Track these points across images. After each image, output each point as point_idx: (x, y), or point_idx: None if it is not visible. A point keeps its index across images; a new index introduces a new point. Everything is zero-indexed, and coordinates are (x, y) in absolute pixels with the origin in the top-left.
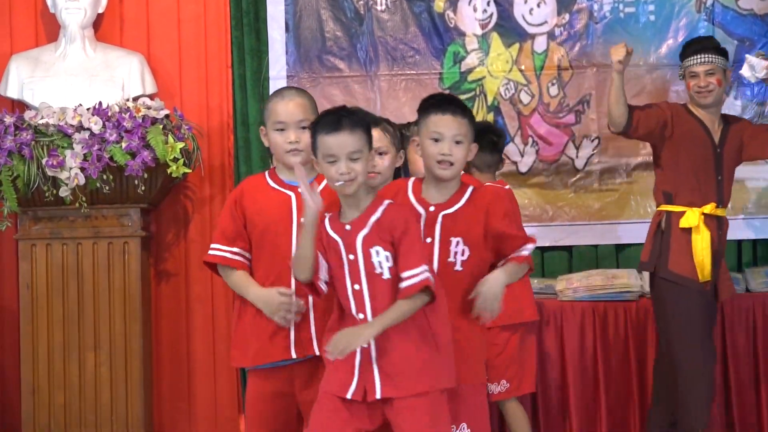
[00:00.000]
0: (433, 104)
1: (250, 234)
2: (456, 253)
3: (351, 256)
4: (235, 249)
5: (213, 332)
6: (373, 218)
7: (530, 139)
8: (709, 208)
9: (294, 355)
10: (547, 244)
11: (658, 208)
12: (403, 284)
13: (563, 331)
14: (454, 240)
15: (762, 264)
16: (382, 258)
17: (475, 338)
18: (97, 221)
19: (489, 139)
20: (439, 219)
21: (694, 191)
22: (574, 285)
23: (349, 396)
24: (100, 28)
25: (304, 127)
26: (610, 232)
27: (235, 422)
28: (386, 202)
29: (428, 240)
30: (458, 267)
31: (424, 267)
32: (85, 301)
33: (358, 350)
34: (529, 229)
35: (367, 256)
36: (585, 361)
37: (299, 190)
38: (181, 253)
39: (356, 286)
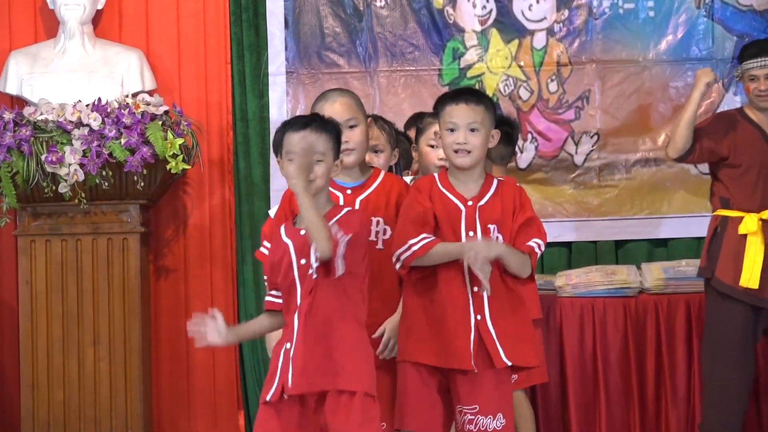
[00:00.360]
0: (448, 96)
1: None
2: (492, 240)
3: (303, 261)
4: None
5: None
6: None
7: (529, 135)
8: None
9: None
10: (546, 240)
11: (715, 213)
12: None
13: (562, 327)
14: (490, 227)
15: None
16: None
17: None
18: (97, 217)
19: (504, 130)
20: (477, 211)
21: (752, 196)
22: (574, 281)
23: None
24: (99, 24)
25: (352, 126)
26: (610, 228)
27: (234, 418)
28: (346, 209)
29: (470, 233)
30: None
31: None
32: (84, 297)
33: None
34: None
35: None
36: (584, 356)
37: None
38: (181, 249)
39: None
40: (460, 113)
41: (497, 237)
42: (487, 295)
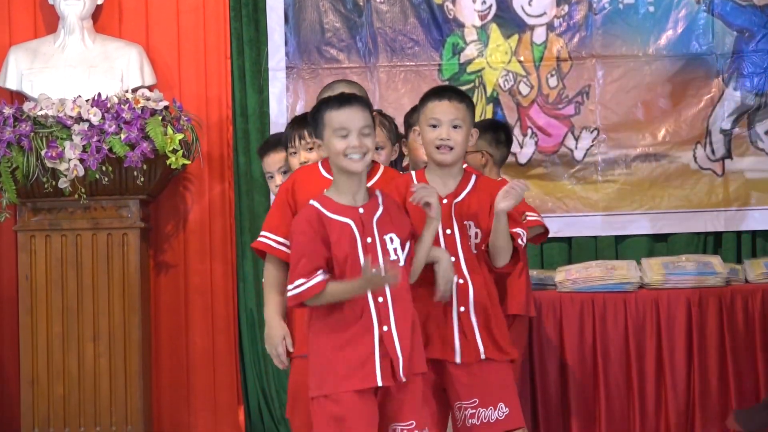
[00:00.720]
0: (430, 93)
1: None
2: (470, 236)
3: (369, 240)
4: (280, 238)
5: (212, 323)
6: (380, 208)
7: (529, 131)
8: None
9: None
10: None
11: None
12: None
13: (562, 322)
14: (467, 224)
15: (761, 255)
16: (396, 245)
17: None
18: (96, 212)
19: (505, 134)
20: (453, 208)
21: None
22: (573, 276)
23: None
24: (99, 19)
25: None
26: (610, 224)
27: (234, 413)
28: (377, 191)
29: (448, 231)
30: (474, 250)
31: None
32: (84, 292)
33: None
34: None
35: (383, 243)
36: (584, 351)
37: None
38: (180, 244)
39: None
40: (443, 110)
41: (475, 233)
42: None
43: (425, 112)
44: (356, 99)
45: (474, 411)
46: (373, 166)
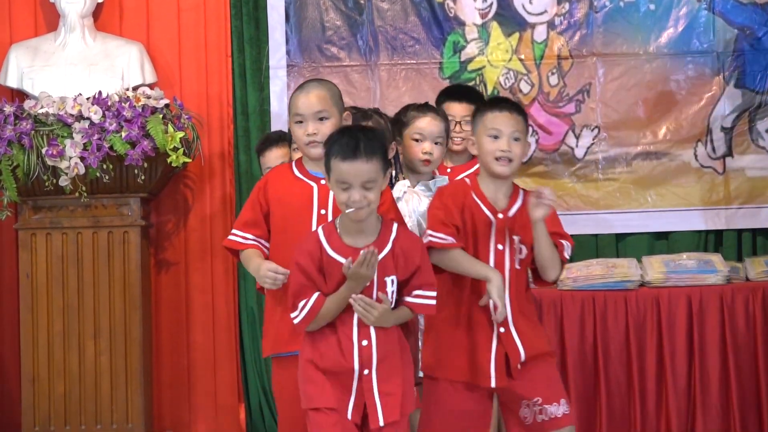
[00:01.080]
0: (490, 103)
1: (271, 222)
2: (516, 251)
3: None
4: (249, 235)
5: (213, 321)
6: (388, 247)
7: (530, 129)
8: None
9: None
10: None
11: None
12: (417, 300)
13: (563, 320)
14: (515, 238)
15: (761, 254)
16: (394, 288)
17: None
18: (97, 211)
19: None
20: (506, 223)
21: None
22: (574, 274)
23: (349, 416)
24: (100, 17)
25: (322, 119)
26: (610, 222)
27: (235, 411)
28: (395, 225)
29: (500, 247)
30: (517, 266)
31: (435, 293)
32: (84, 290)
33: (357, 370)
34: None
35: (381, 285)
36: (585, 350)
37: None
38: (181, 242)
39: None
40: (505, 121)
41: (521, 249)
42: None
43: (484, 122)
44: (364, 150)
45: (540, 408)
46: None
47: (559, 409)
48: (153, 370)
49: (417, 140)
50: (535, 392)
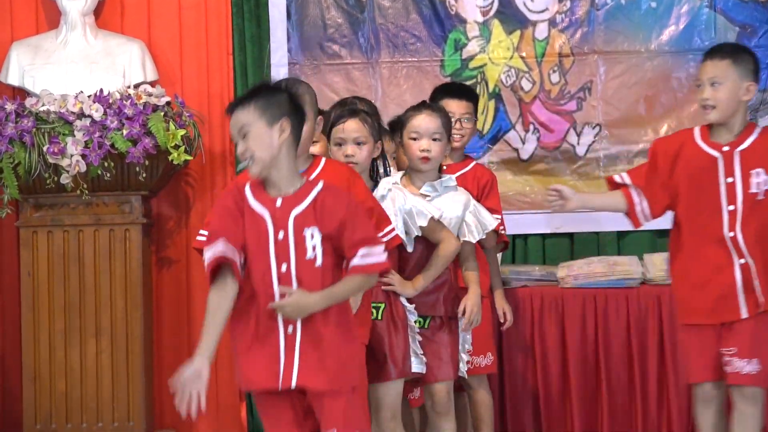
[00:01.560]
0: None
1: None
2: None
3: (281, 235)
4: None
5: None
6: (308, 199)
7: (531, 126)
8: None
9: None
10: (548, 232)
11: None
12: (361, 261)
13: (564, 318)
14: (752, 172)
15: None
16: (316, 242)
17: None
18: (99, 208)
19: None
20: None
21: None
22: (575, 272)
23: (280, 387)
24: (101, 15)
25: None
26: (612, 219)
27: (236, 409)
28: (321, 182)
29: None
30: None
31: (381, 248)
32: (86, 288)
33: (282, 335)
34: (531, 216)
35: (300, 239)
36: (586, 347)
37: None
38: (183, 240)
39: (283, 268)
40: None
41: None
42: None
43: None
44: (240, 99)
45: (729, 359)
46: (314, 159)
47: (747, 365)
48: (154, 368)
49: (414, 139)
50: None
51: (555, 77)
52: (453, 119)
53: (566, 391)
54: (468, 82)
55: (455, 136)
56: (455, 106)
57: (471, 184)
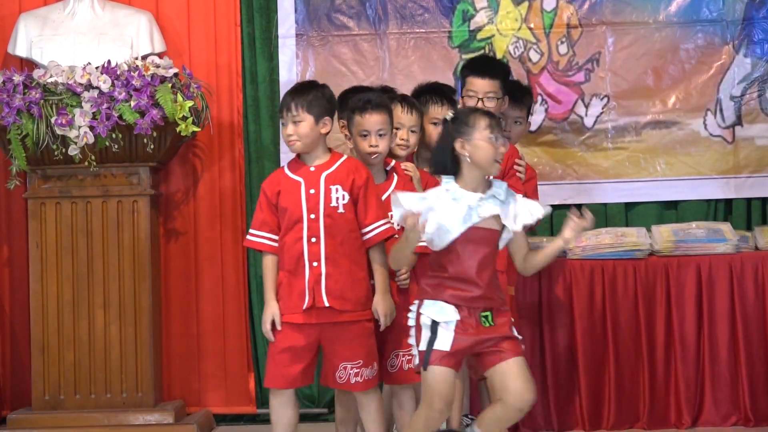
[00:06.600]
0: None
1: None
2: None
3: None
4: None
5: (222, 290)
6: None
7: (539, 98)
8: None
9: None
10: (556, 203)
11: None
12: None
13: (572, 289)
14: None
15: None
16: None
17: None
18: (107, 180)
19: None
20: None
21: None
22: (583, 243)
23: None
24: None
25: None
26: (620, 191)
27: (245, 380)
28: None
29: None
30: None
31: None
32: (94, 259)
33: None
34: (539, 188)
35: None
36: (594, 318)
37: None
38: (191, 211)
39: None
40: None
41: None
42: None
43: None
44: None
45: None
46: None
47: None
48: (162, 339)
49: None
50: None
51: (563, 48)
52: (476, 98)
53: (573, 362)
54: (476, 54)
55: None
56: (477, 85)
57: None
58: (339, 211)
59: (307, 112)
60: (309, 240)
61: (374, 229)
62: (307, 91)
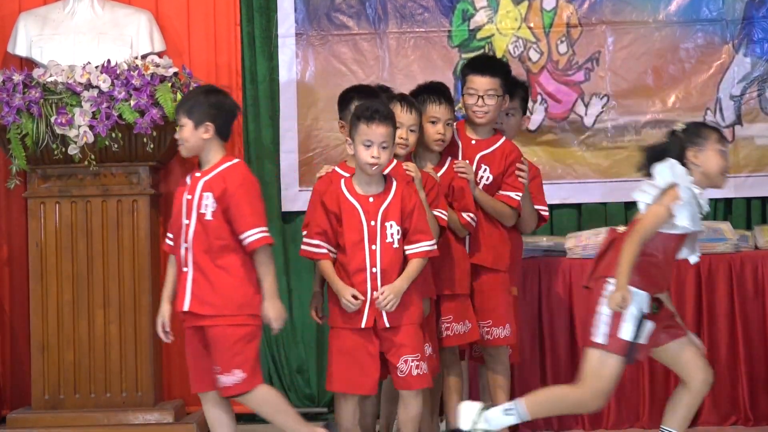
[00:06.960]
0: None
1: None
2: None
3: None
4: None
5: None
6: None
7: (539, 97)
8: None
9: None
10: (556, 202)
11: None
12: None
13: (572, 288)
14: None
15: None
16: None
17: None
18: (106, 179)
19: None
20: None
21: None
22: (583, 243)
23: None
24: None
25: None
26: (619, 190)
27: None
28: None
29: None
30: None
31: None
32: (94, 259)
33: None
34: None
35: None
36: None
37: None
38: None
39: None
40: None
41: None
42: None
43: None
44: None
45: None
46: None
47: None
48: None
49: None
50: None
51: (563, 48)
52: (476, 95)
53: (574, 362)
54: (475, 53)
55: (477, 113)
56: (477, 83)
57: (499, 160)
58: (206, 218)
59: (187, 117)
60: (184, 245)
61: (247, 237)
62: (190, 96)
